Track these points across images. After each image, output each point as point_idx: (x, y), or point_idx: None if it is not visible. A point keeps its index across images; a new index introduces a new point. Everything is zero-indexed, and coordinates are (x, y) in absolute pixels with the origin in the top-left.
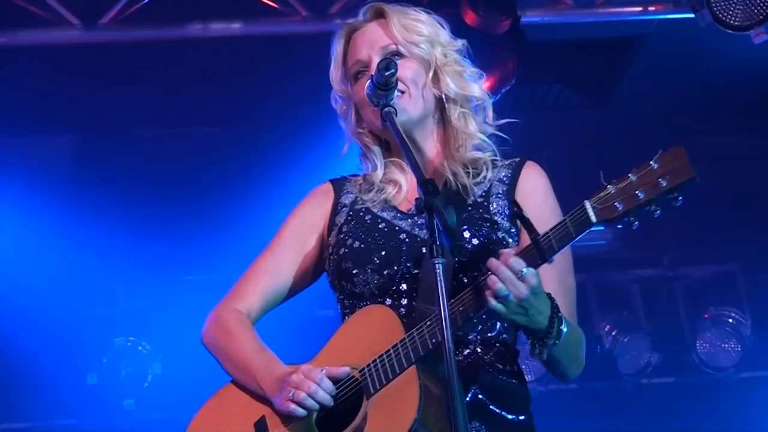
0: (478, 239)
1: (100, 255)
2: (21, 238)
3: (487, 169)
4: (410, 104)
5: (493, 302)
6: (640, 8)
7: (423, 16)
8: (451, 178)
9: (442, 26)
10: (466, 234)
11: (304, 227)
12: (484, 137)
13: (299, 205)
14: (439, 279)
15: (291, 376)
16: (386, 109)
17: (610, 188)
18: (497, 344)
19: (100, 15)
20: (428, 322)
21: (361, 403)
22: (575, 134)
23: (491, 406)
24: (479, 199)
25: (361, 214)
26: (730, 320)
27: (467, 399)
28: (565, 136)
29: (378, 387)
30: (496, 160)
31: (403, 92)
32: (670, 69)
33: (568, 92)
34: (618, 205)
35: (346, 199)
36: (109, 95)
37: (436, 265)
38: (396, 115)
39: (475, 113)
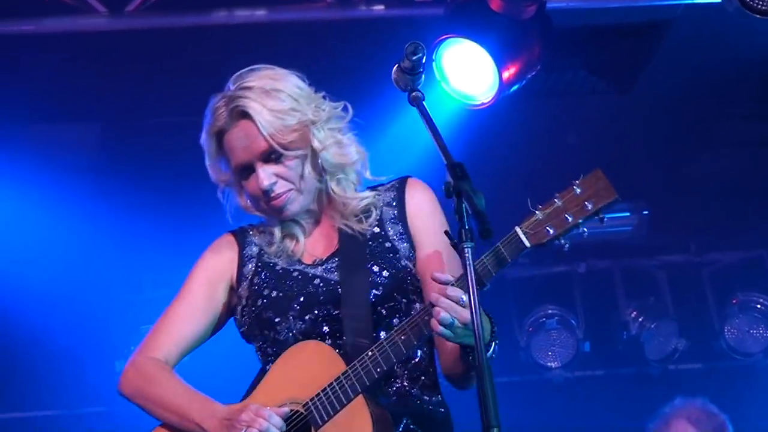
0: (388, 270)
1: (126, 243)
2: (48, 227)
3: (376, 210)
4: (298, 199)
5: (440, 329)
6: None
7: (286, 96)
8: (345, 229)
9: (306, 88)
10: (375, 268)
11: (212, 276)
12: (362, 194)
13: (203, 256)
14: (468, 263)
15: (240, 415)
16: (414, 93)
17: (539, 214)
18: (422, 376)
19: (126, 2)
20: (370, 353)
21: None
22: (600, 120)
23: None
24: (375, 230)
25: (271, 264)
26: (759, 306)
27: (399, 429)
28: (590, 122)
29: (326, 419)
30: (378, 186)
31: (289, 190)
32: (696, 55)
33: (593, 78)
34: (549, 230)
35: (251, 251)
36: (135, 83)
37: (465, 249)
38: (423, 99)
39: (354, 170)
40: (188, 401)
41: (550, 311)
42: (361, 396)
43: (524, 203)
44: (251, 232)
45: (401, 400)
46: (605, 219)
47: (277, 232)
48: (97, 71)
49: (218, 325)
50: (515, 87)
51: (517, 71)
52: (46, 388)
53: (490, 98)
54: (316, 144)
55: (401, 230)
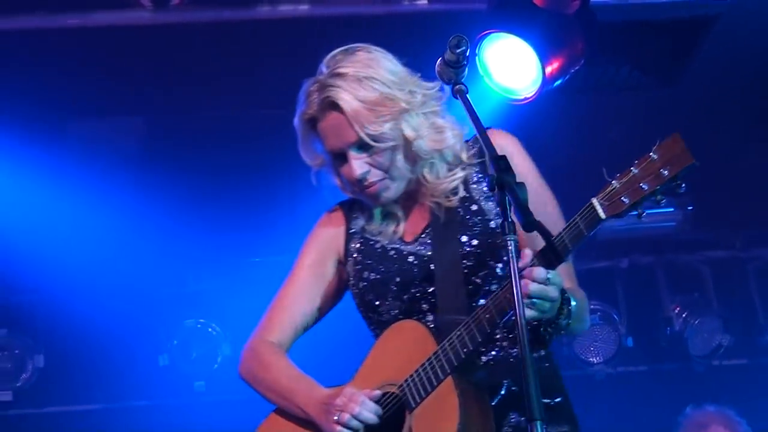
0: (477, 238)
1: (169, 237)
2: (91, 221)
3: (463, 183)
4: (391, 187)
5: (529, 312)
6: None
7: (379, 83)
8: (434, 208)
9: (401, 72)
10: (464, 238)
11: (321, 252)
12: (452, 174)
13: (312, 232)
14: (511, 256)
15: (335, 399)
16: (457, 86)
17: (615, 183)
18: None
19: None
20: (457, 332)
21: (404, 418)
22: (645, 115)
23: None
24: (462, 194)
25: (371, 243)
26: None
27: (502, 392)
28: (634, 117)
29: (418, 400)
30: (463, 145)
31: (382, 179)
32: (742, 50)
33: (637, 73)
34: (625, 199)
35: (356, 225)
36: (179, 77)
37: (508, 242)
38: (467, 92)
39: (451, 153)
40: (294, 385)
41: (592, 306)
42: (450, 376)
43: (566, 199)
44: (356, 206)
45: (500, 364)
46: (683, 186)
47: (377, 213)
48: (142, 65)
49: (333, 300)
50: (558, 82)
51: (561, 66)
52: (90, 382)
53: (532, 93)
54: (409, 132)
55: (485, 189)
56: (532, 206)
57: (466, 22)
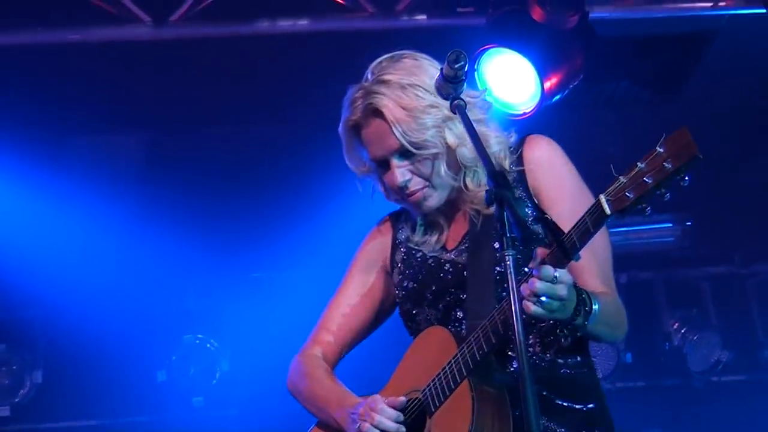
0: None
1: (168, 253)
2: (92, 237)
3: None
4: (434, 195)
5: (533, 308)
6: (710, 3)
7: (423, 91)
8: (473, 215)
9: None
10: (497, 244)
11: (369, 265)
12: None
13: (363, 243)
14: (509, 271)
15: (358, 409)
16: (456, 101)
17: (622, 179)
18: (556, 340)
19: (171, 12)
20: (475, 335)
21: (425, 423)
22: (643, 131)
23: (557, 401)
24: None
25: (413, 252)
26: None
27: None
28: (633, 133)
29: (437, 405)
30: (506, 153)
31: (423, 187)
32: (741, 65)
33: (636, 89)
34: (629, 194)
35: (402, 236)
36: (180, 92)
37: (507, 257)
38: (466, 107)
39: (497, 159)
40: (328, 396)
41: None
42: (466, 380)
43: None
44: (403, 217)
45: (532, 368)
46: (686, 179)
47: (420, 222)
48: (142, 81)
49: (384, 313)
50: (557, 97)
51: (559, 81)
52: (89, 398)
53: (531, 108)
54: (452, 140)
55: (522, 194)
56: (568, 211)
57: (465, 38)
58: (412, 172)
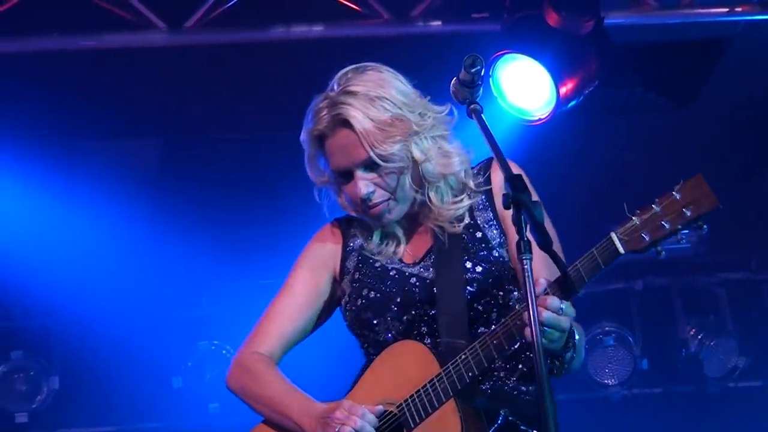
0: (481, 265)
1: (183, 260)
2: (105, 244)
3: (468, 210)
4: (396, 208)
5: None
6: (726, 9)
7: (390, 104)
8: (438, 232)
9: (411, 94)
10: (468, 264)
11: (316, 267)
12: (458, 200)
13: (308, 246)
14: (526, 274)
15: (335, 413)
16: (472, 106)
17: (636, 220)
18: (519, 365)
19: (186, 18)
20: (463, 356)
21: None
22: (658, 137)
23: (522, 426)
24: (467, 220)
25: (371, 261)
26: None
27: (499, 421)
28: (648, 139)
29: (418, 421)
30: (468, 172)
31: (387, 199)
32: (756, 72)
33: (651, 95)
34: (645, 236)
35: (354, 243)
36: (194, 98)
37: (524, 260)
38: (482, 112)
39: (456, 179)
40: (288, 399)
41: (607, 328)
42: (452, 399)
43: (577, 219)
44: (354, 224)
45: (498, 393)
46: (705, 228)
47: (377, 232)
48: (156, 87)
49: (323, 317)
50: (572, 103)
51: (575, 87)
52: (105, 404)
53: (546, 114)
54: (418, 155)
55: (490, 216)
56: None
57: (480, 44)
58: (376, 184)
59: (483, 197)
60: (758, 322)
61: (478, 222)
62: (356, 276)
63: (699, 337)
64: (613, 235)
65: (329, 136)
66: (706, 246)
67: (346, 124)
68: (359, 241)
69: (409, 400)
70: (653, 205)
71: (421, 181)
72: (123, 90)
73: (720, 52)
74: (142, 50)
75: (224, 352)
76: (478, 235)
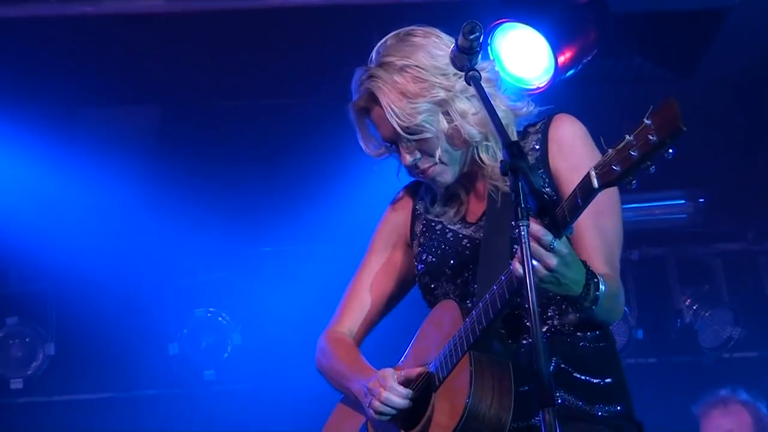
0: None
1: (180, 226)
2: (102, 211)
3: None
4: (446, 171)
5: (520, 270)
6: None
7: (419, 71)
8: (492, 191)
9: (445, 55)
10: (514, 222)
11: (390, 238)
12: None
13: (383, 216)
14: (523, 241)
15: (369, 384)
16: (471, 72)
17: (610, 152)
18: (573, 312)
19: None
20: (476, 309)
21: (430, 397)
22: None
23: (575, 374)
24: None
25: (433, 224)
26: None
27: (551, 369)
28: (646, 109)
29: (441, 379)
30: (529, 127)
31: (434, 164)
32: (755, 42)
33: (649, 65)
34: (616, 167)
35: (420, 207)
36: (191, 65)
37: (522, 227)
38: (480, 79)
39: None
40: (349, 372)
41: None
42: (467, 354)
43: None
44: (423, 188)
45: (552, 339)
46: (670, 152)
47: (440, 194)
48: (154, 54)
49: (407, 286)
50: (570, 72)
51: (573, 56)
52: (101, 370)
53: (544, 83)
54: (456, 116)
55: (544, 175)
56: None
57: (478, 12)
58: (419, 150)
59: (538, 155)
60: (754, 293)
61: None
62: (421, 240)
63: (694, 307)
64: (591, 171)
65: (370, 110)
66: (703, 216)
67: (376, 98)
68: (426, 204)
69: (437, 360)
70: (626, 135)
71: (465, 142)
72: (122, 57)
73: (720, 22)
74: (142, 16)
75: (220, 319)
76: None
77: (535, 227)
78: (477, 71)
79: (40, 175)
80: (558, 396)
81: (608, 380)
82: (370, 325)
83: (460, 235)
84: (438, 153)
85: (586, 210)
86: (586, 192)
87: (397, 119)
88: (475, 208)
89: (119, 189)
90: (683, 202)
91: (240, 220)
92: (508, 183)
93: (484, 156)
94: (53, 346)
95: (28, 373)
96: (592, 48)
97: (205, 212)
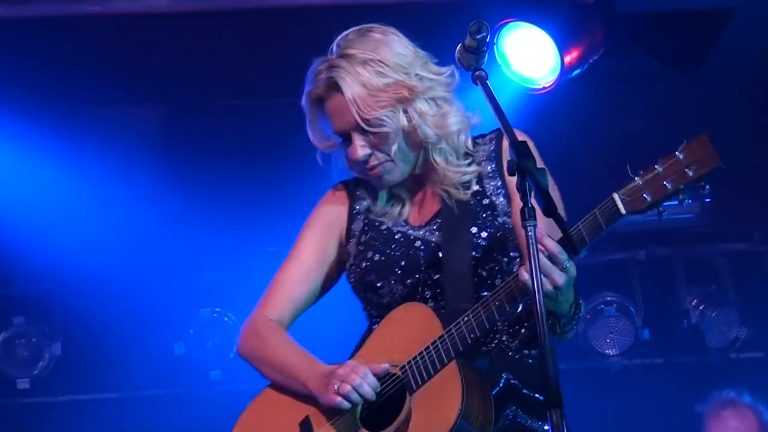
0: (486, 231)
1: (186, 226)
2: (109, 209)
3: (479, 176)
4: (395, 170)
5: (527, 277)
6: None
7: (384, 66)
8: (445, 197)
9: (410, 54)
10: (474, 229)
11: (324, 232)
12: (462, 164)
13: (315, 210)
14: (531, 242)
15: (338, 370)
16: (477, 72)
17: (638, 180)
18: (521, 330)
19: None
20: (465, 317)
21: (403, 400)
22: (663, 106)
23: (524, 390)
24: (475, 187)
25: (377, 224)
26: None
27: (500, 385)
28: (652, 108)
29: (420, 383)
30: (479, 138)
31: (386, 161)
32: (762, 42)
33: (656, 63)
34: (647, 196)
35: (360, 206)
36: (196, 65)
37: (528, 227)
38: (487, 78)
39: (457, 140)
40: (295, 361)
41: (608, 298)
42: (454, 361)
43: (582, 187)
44: (362, 186)
45: (500, 356)
46: (707, 188)
47: (382, 194)
48: (159, 53)
49: (331, 281)
50: (577, 71)
51: (579, 56)
52: (107, 370)
53: (551, 82)
54: (414, 116)
55: (499, 184)
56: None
57: (485, 11)
58: (373, 146)
59: (494, 165)
60: (760, 293)
61: (487, 190)
62: (362, 239)
63: (701, 307)
64: (615, 196)
65: (326, 99)
66: (709, 216)
67: (338, 88)
68: (366, 203)
69: (412, 362)
70: (656, 166)
71: (420, 143)
72: (127, 56)
73: (726, 20)
74: (146, 16)
75: (226, 319)
76: (486, 202)
77: (552, 244)
78: (483, 71)
79: (45, 175)
80: (509, 411)
81: None
82: (294, 318)
83: (412, 237)
84: (393, 149)
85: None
86: (611, 216)
87: (358, 110)
88: (420, 211)
89: (124, 189)
90: (690, 201)
91: (246, 219)
92: (462, 191)
93: (438, 158)
94: (59, 346)
95: (35, 373)
96: (598, 47)
97: (211, 212)
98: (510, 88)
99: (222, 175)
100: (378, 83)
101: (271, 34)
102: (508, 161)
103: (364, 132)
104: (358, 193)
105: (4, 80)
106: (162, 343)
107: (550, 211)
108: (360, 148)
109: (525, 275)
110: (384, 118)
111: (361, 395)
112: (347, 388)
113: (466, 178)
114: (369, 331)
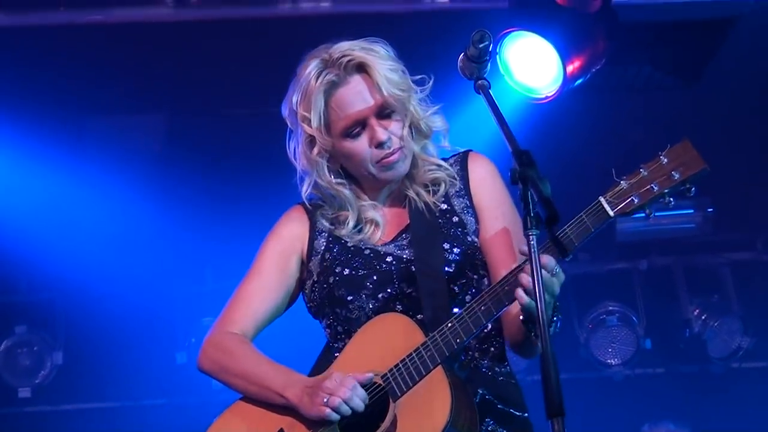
0: (458, 247)
1: (188, 235)
2: (110, 219)
3: (445, 185)
4: (407, 159)
5: (526, 300)
6: None
7: (394, 62)
8: (414, 197)
9: (403, 68)
10: (446, 245)
11: (283, 249)
12: (440, 161)
13: (275, 228)
14: (533, 251)
15: (324, 383)
16: (480, 81)
17: (623, 183)
18: (491, 347)
19: None
20: (449, 324)
21: (385, 408)
22: (665, 116)
23: (499, 405)
24: (443, 206)
25: (343, 241)
26: None
27: (476, 400)
28: (654, 117)
29: (405, 389)
30: (442, 161)
31: (401, 147)
32: (764, 51)
33: (658, 73)
34: (634, 199)
35: (322, 225)
36: (200, 74)
37: (530, 236)
38: (490, 88)
39: (434, 140)
40: (270, 372)
41: (610, 308)
42: (439, 367)
43: (580, 197)
44: (323, 207)
45: (474, 372)
46: (693, 190)
47: (352, 217)
48: (163, 62)
49: (292, 299)
50: (579, 81)
51: (582, 65)
52: (109, 379)
53: (553, 92)
54: (417, 108)
55: (467, 203)
56: (508, 226)
57: (487, 21)
58: (390, 131)
59: (460, 185)
60: (763, 302)
61: (455, 208)
62: (326, 256)
63: (703, 317)
64: (602, 199)
65: (341, 85)
66: (711, 226)
67: (360, 69)
68: (327, 222)
69: (394, 370)
70: (640, 170)
71: (416, 136)
72: (130, 65)
73: (728, 31)
74: (149, 25)
75: None
76: (455, 219)
77: (544, 256)
78: (486, 80)
79: (48, 184)
80: (488, 423)
81: (525, 414)
82: (257, 332)
83: (381, 252)
84: (404, 137)
85: (488, 201)
86: (598, 219)
87: (388, 89)
88: (388, 228)
89: (127, 197)
90: (692, 211)
91: (248, 228)
92: (431, 196)
93: (418, 147)
94: (61, 355)
95: (36, 381)
96: (601, 57)
97: (213, 220)
98: (512, 97)
99: (224, 184)
100: (397, 67)
101: (272, 44)
102: (511, 169)
103: (383, 116)
104: (318, 211)
105: (7, 89)
106: (164, 352)
107: (553, 219)
108: (381, 131)
109: (527, 278)
110: (405, 102)
111: (351, 408)
112: (337, 401)
113: (435, 174)
114: (329, 348)
